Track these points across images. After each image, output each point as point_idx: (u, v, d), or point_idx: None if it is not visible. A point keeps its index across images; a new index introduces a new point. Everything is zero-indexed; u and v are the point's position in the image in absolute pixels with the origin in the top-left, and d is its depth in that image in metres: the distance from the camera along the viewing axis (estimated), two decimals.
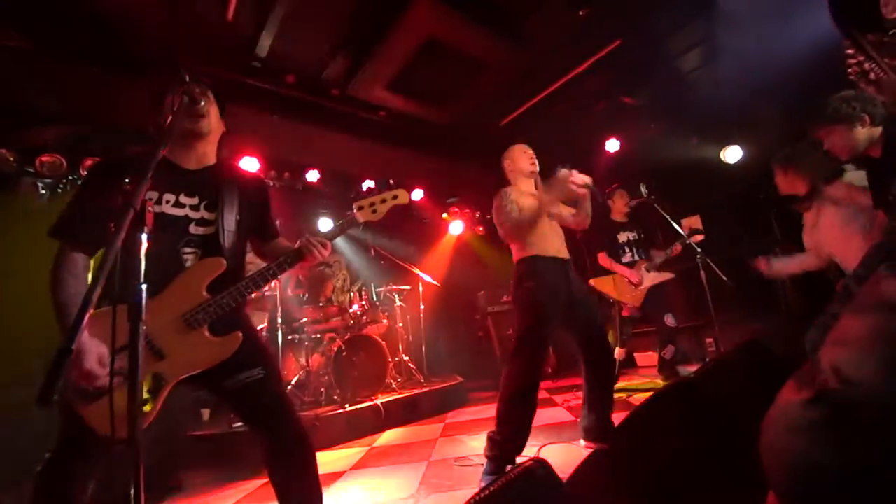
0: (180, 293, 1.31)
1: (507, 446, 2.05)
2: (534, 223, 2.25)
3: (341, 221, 1.59)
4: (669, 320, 3.74)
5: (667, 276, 3.83)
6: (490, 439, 2.09)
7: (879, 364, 0.34)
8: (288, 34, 3.27)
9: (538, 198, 2.31)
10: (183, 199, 1.37)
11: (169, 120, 1.07)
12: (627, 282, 3.82)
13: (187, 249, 1.36)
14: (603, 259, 3.96)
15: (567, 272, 2.34)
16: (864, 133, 1.93)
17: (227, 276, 1.36)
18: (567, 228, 2.48)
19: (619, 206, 4.08)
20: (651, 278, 3.80)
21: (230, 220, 1.43)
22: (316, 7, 3.09)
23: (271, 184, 4.79)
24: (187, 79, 1.25)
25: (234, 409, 1.41)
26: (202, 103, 1.36)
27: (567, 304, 2.25)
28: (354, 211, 1.59)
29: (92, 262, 1.27)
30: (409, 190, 5.72)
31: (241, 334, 1.34)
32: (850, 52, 0.58)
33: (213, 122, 1.43)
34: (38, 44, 2.91)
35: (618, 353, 3.92)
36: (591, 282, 3.96)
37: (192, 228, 1.38)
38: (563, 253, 2.38)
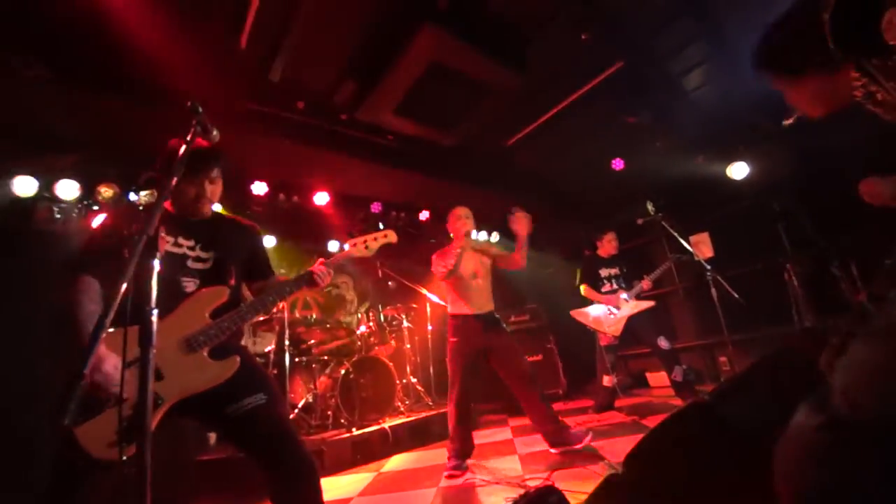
0: (184, 317, 1.36)
1: (462, 451, 2.86)
2: (459, 284, 3.06)
3: (336, 252, 1.79)
4: (663, 343, 3.73)
5: (646, 304, 3.92)
6: (450, 449, 2.88)
7: (886, 389, 0.34)
8: (299, 61, 3.37)
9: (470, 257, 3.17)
10: (181, 241, 1.47)
11: (182, 149, 1.11)
12: (606, 312, 3.95)
13: (186, 279, 1.44)
14: (585, 290, 4.13)
15: (487, 325, 3.02)
16: None
17: (228, 307, 1.43)
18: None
19: (608, 248, 4.26)
20: (630, 308, 3.89)
21: (225, 258, 1.54)
22: (326, 35, 3.20)
23: (281, 207, 4.88)
24: (200, 110, 1.29)
25: (236, 437, 1.40)
26: (214, 132, 1.41)
27: (485, 350, 3.02)
28: (348, 247, 1.75)
29: None
30: (417, 213, 5.80)
31: (238, 358, 1.37)
32: (854, 74, 0.60)
33: (216, 199, 1.55)
34: (56, 72, 3.02)
35: (606, 381, 3.93)
36: (571, 313, 4.13)
37: (191, 263, 1.47)
38: (486, 307, 3.08)
